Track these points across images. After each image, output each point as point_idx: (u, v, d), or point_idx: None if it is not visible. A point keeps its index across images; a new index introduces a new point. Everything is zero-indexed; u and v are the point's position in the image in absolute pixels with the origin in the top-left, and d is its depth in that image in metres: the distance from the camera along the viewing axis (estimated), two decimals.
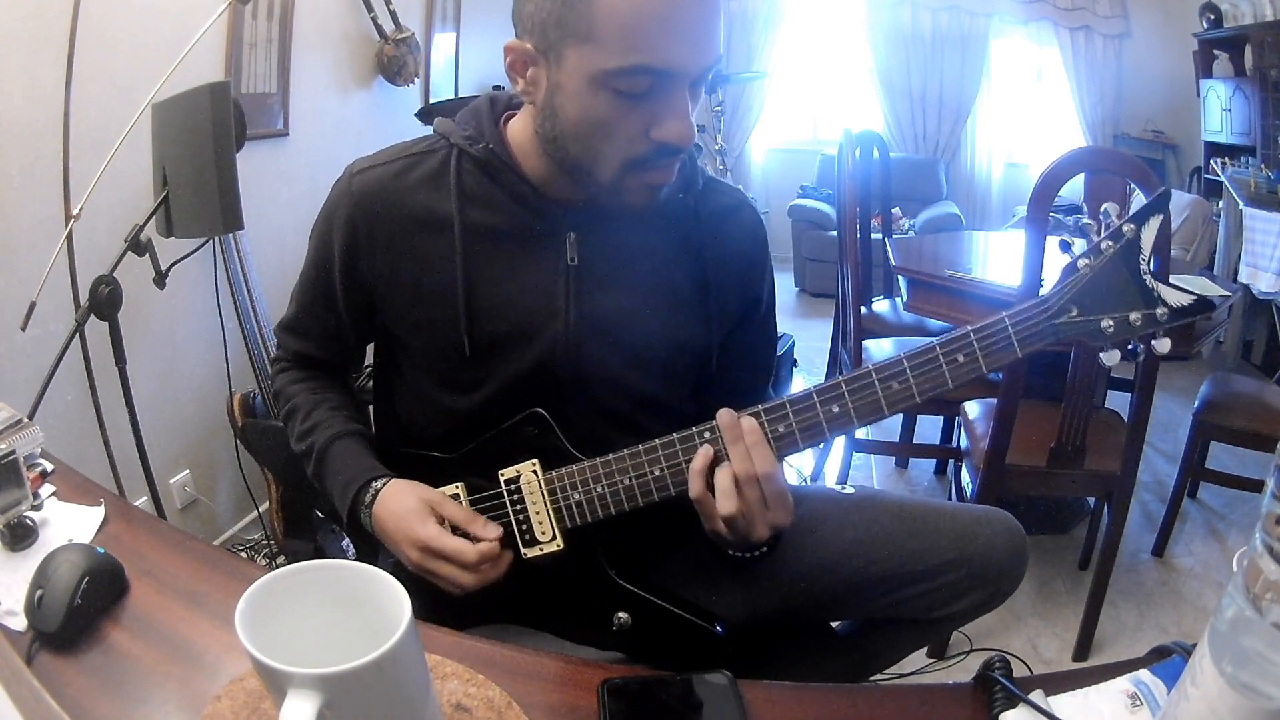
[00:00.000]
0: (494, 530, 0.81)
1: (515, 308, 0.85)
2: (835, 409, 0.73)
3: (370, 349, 1.00)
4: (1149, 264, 0.69)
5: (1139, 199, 1.59)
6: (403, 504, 0.82)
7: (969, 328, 0.71)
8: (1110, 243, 0.69)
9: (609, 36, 0.68)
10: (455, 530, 0.81)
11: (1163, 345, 0.70)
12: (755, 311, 0.95)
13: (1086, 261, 0.70)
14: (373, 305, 0.91)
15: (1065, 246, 0.72)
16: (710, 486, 0.75)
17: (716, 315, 0.90)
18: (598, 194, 0.80)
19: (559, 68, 0.72)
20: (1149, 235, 0.69)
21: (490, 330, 0.85)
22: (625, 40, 0.68)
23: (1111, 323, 0.69)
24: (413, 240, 0.85)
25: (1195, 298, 0.68)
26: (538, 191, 0.84)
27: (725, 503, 0.73)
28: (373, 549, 0.95)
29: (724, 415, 0.74)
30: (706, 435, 0.76)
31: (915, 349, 0.72)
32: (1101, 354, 0.71)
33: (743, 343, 0.95)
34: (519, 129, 0.85)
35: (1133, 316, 0.69)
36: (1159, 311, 0.68)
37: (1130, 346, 0.71)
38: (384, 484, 0.85)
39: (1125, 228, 0.69)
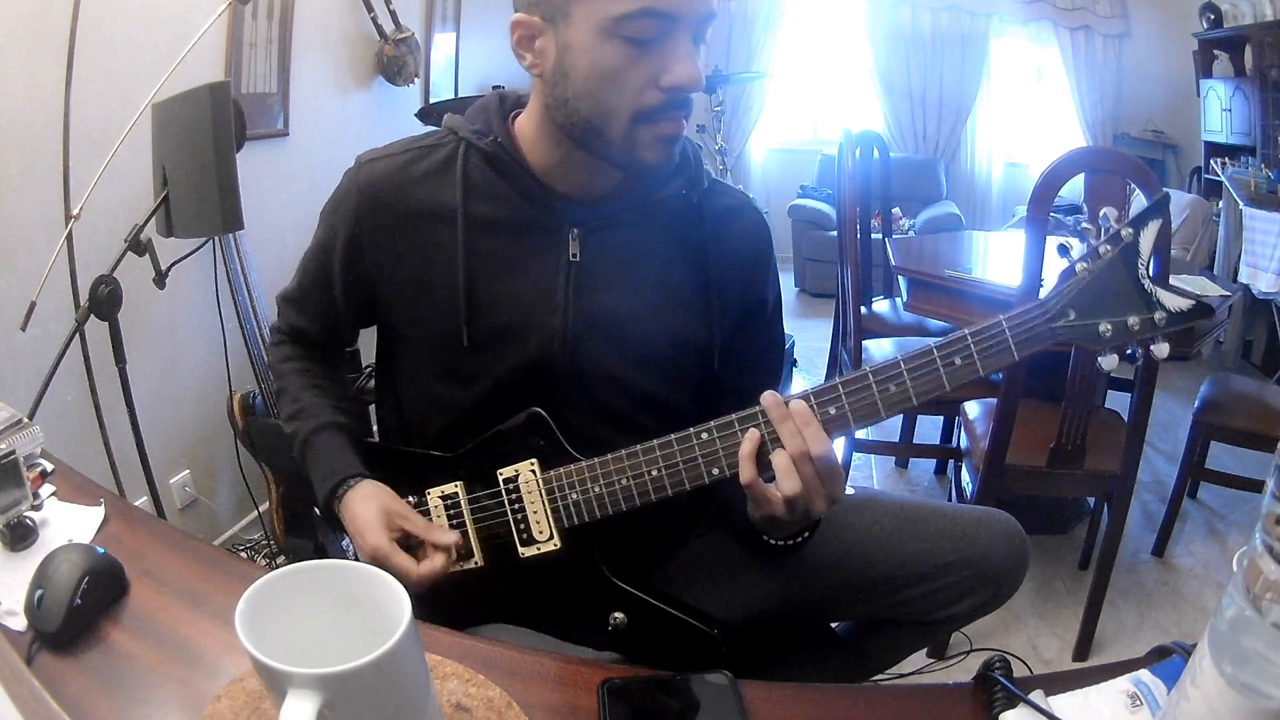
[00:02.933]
0: (450, 536, 0.84)
1: (515, 301, 0.85)
2: (832, 410, 0.73)
3: (367, 341, 1.00)
4: (1148, 268, 0.69)
5: (1139, 199, 1.59)
6: (366, 509, 0.84)
7: (966, 330, 0.71)
8: (1109, 246, 0.69)
9: None
10: (410, 541, 0.84)
11: (1161, 350, 0.69)
12: (760, 313, 0.95)
13: (1084, 265, 0.70)
14: (373, 297, 0.91)
15: (1063, 250, 0.72)
16: (760, 471, 0.74)
17: (719, 316, 0.90)
18: (611, 155, 0.80)
19: (567, 26, 0.75)
20: (1147, 239, 0.68)
21: (489, 322, 0.85)
22: None
23: (1109, 327, 0.69)
24: (416, 230, 0.86)
25: (1194, 303, 0.68)
26: (543, 186, 0.84)
27: (787, 482, 0.72)
28: None
29: (768, 397, 0.74)
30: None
31: (912, 352, 0.72)
32: (1100, 358, 0.71)
33: (747, 344, 0.94)
34: (526, 125, 0.85)
35: (1130, 321, 0.69)
36: (1157, 316, 0.68)
37: (1129, 351, 0.71)
38: (356, 483, 0.88)
39: (1124, 232, 0.68)
